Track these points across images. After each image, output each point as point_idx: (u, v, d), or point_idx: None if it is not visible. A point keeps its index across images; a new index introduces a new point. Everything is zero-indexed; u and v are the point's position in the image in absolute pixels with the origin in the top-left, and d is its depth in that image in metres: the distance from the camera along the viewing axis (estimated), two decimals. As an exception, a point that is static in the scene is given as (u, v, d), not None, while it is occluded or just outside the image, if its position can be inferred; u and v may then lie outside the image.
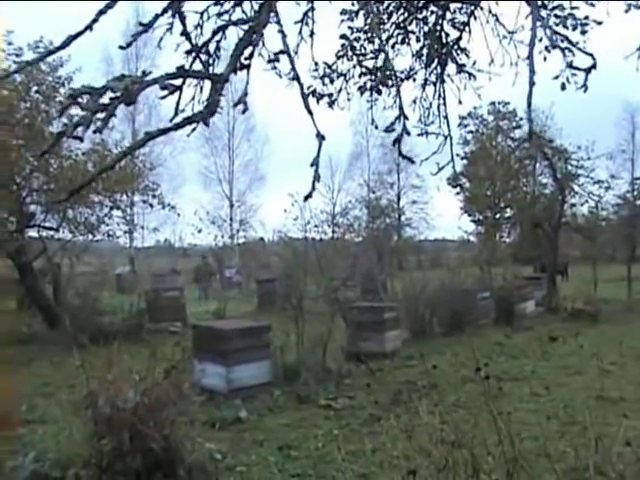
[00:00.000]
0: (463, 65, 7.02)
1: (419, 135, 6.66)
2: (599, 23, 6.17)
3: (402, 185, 53.42)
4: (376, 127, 7.30)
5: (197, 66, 4.35)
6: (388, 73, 6.56)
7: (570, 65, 4.97)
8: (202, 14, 5.10)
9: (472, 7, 6.63)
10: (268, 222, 64.84)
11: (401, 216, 52.06)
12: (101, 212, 16.66)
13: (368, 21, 6.41)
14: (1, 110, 13.73)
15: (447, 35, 6.95)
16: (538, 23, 4.53)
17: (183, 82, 3.81)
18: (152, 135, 3.53)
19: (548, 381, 9.22)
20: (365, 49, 6.80)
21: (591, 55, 4.49)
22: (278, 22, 3.77)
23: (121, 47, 4.15)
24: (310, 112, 3.76)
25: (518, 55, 6.61)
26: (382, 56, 6.70)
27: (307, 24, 5.64)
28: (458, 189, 30.80)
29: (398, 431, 4.31)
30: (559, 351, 12.17)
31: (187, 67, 4.01)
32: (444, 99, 6.89)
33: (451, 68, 7.04)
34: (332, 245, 17.29)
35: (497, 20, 6.67)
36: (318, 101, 6.73)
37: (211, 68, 4.52)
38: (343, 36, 6.73)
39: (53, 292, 17.24)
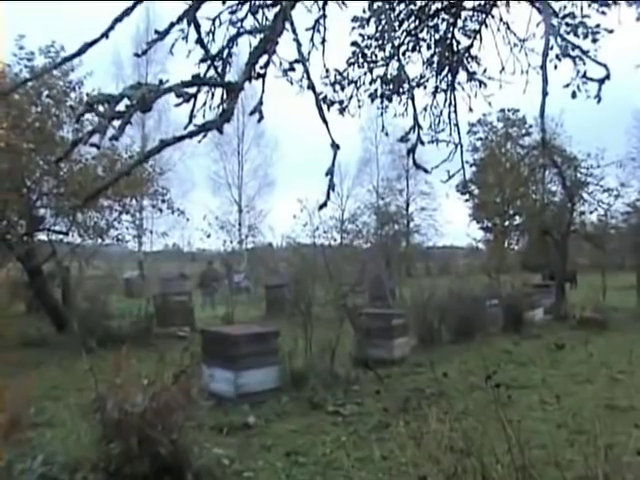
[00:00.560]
0: (474, 73, 7.02)
1: (430, 142, 6.66)
2: (610, 31, 6.16)
3: (411, 191, 53.31)
4: (387, 134, 7.32)
5: (210, 72, 4.37)
6: (401, 81, 6.56)
7: (584, 75, 4.96)
8: (214, 20, 5.13)
9: (483, 15, 6.63)
10: (277, 227, 64.75)
11: (410, 222, 51.91)
12: (110, 216, 16.72)
13: (379, 27, 6.42)
14: (12, 114, 13.79)
15: (458, 43, 6.96)
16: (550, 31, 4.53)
17: (198, 90, 3.83)
18: (167, 142, 3.55)
19: (557, 389, 9.15)
20: (376, 56, 6.81)
21: (604, 66, 4.46)
22: (294, 31, 3.76)
23: (136, 55, 4.21)
24: (325, 121, 3.76)
25: (529, 63, 6.62)
26: (394, 64, 6.71)
27: (319, 31, 5.66)
28: (467, 196, 30.72)
29: (407, 438, 4.30)
30: (568, 359, 12.10)
31: (201, 74, 4.02)
32: (455, 107, 6.90)
33: (462, 76, 7.05)
34: (341, 251, 17.28)
35: (508, 28, 6.68)
36: (329, 108, 6.74)
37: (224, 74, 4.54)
38: (354, 43, 6.74)
39: (62, 295, 17.33)
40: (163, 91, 3.19)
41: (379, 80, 6.91)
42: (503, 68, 6.90)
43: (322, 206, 3.78)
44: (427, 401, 8.07)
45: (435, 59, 7.05)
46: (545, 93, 4.16)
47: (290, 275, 16.33)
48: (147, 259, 38.44)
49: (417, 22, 6.85)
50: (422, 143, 3.83)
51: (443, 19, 6.90)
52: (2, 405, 6.28)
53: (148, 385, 5.58)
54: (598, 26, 6.22)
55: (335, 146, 3.75)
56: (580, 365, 11.24)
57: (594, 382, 9.65)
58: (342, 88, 6.96)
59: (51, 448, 5.80)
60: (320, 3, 5.38)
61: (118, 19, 3.65)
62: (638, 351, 11.70)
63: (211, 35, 5.12)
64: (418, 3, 6.74)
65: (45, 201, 15.93)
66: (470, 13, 6.85)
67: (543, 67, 4.27)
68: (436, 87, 7.06)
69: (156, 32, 3.99)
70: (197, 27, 4.23)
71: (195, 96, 3.79)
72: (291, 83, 5.48)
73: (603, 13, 6.17)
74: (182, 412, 5.49)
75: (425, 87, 7.15)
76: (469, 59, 7.09)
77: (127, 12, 3.68)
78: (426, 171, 4.52)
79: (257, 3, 4.81)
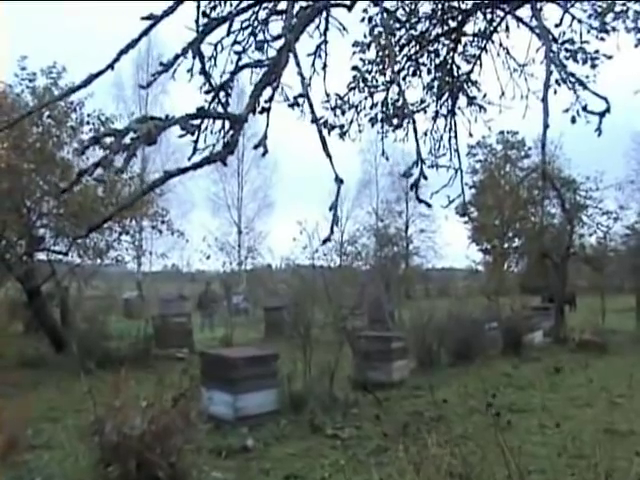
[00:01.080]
0: (474, 98, 7.07)
1: (430, 167, 6.69)
2: (609, 57, 6.23)
3: (410, 213, 53.22)
4: (387, 158, 7.35)
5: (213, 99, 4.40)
6: (401, 107, 6.61)
7: (584, 109, 4.97)
8: (216, 45, 5.18)
9: (484, 40, 6.69)
10: (276, 249, 64.66)
11: (409, 244, 51.87)
12: (110, 237, 16.70)
13: (380, 53, 6.47)
14: (13, 134, 13.84)
15: (458, 68, 7.01)
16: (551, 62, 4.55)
17: (201, 122, 3.85)
18: (171, 174, 3.57)
19: (556, 413, 9.14)
20: (377, 81, 6.87)
21: (605, 99, 4.46)
22: (297, 64, 3.75)
23: (141, 87, 4.26)
24: (329, 156, 3.73)
25: (528, 88, 6.68)
26: (394, 88, 6.75)
27: (320, 56, 5.70)
28: (466, 218, 30.73)
29: (406, 463, 4.29)
30: (567, 382, 12.08)
31: (204, 99, 4.06)
32: (455, 132, 6.94)
33: (462, 101, 7.10)
34: (340, 273, 17.25)
35: (508, 53, 6.75)
36: (329, 132, 6.77)
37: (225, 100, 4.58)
38: (355, 67, 6.79)
39: (61, 316, 17.29)
40: (168, 123, 3.22)
41: (379, 104, 6.96)
42: (503, 93, 6.96)
43: (325, 240, 3.79)
44: (426, 426, 8.03)
45: (435, 84, 7.10)
46: (546, 125, 4.16)
47: (289, 297, 16.30)
48: (146, 279, 38.33)
49: (418, 47, 6.92)
50: (425, 178, 3.83)
51: (443, 44, 6.97)
52: None
53: (147, 408, 5.57)
54: (597, 52, 6.29)
55: (339, 180, 3.75)
56: (579, 388, 11.23)
57: (594, 406, 9.64)
58: (343, 112, 7.00)
59: (49, 470, 5.79)
60: (322, 29, 5.43)
61: (123, 51, 3.68)
62: (638, 375, 11.68)
63: (213, 60, 5.17)
64: (419, 28, 6.81)
65: (45, 221, 15.94)
66: (470, 38, 6.92)
67: (544, 100, 4.28)
68: (436, 112, 7.10)
69: (161, 64, 4.02)
70: (202, 59, 4.27)
71: (199, 127, 3.82)
72: (292, 108, 5.52)
73: (602, 39, 6.24)
74: (181, 435, 5.47)
75: (425, 112, 7.19)
76: (469, 84, 7.14)
77: (132, 45, 3.72)
78: (428, 205, 4.50)
79: (261, 37, 4.87)
